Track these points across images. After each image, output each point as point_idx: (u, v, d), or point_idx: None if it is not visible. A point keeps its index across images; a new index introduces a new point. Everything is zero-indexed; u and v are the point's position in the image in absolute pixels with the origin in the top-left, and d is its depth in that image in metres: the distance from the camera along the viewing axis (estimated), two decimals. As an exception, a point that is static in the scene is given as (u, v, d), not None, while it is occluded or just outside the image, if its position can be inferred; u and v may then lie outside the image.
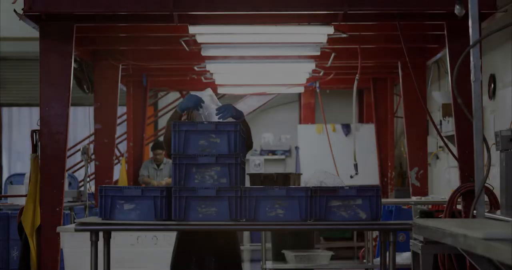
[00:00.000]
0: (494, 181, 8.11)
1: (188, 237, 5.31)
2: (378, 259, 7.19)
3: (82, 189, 11.78)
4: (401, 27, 7.33)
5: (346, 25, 8.02)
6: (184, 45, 8.77)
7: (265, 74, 11.31)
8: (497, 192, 6.31)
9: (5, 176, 15.55)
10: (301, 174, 11.12)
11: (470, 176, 6.87)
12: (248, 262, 11.86)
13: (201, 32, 7.79)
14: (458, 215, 6.68)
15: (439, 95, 10.88)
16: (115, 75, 10.02)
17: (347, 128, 13.87)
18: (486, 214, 4.67)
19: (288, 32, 7.73)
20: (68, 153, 13.73)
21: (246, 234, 13.04)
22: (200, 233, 5.25)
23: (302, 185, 5.71)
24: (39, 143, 6.98)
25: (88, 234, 4.99)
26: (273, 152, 14.97)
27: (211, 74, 11.15)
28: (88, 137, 11.74)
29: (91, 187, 10.86)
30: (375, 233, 9.37)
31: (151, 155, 12.95)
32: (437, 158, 12.09)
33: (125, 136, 13.34)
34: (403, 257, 8.30)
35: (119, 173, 11.92)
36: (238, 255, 5.44)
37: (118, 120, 11.03)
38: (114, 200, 4.95)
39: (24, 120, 16.09)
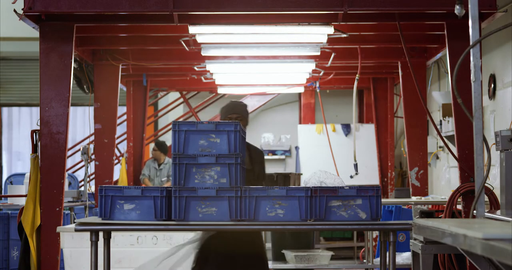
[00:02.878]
0: (494, 181, 8.12)
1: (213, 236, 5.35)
2: (378, 259, 7.19)
3: (82, 189, 11.78)
4: (401, 27, 7.33)
5: (346, 25, 8.02)
6: (184, 45, 8.78)
7: (265, 74, 11.30)
8: (497, 192, 6.31)
9: (5, 176, 15.56)
10: (301, 174, 11.13)
11: (470, 176, 6.87)
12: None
13: (201, 32, 7.79)
14: (458, 215, 6.68)
15: (439, 95, 10.88)
16: (115, 75, 10.02)
17: (347, 128, 13.87)
18: (486, 214, 4.67)
19: (288, 32, 7.73)
20: (68, 153, 13.75)
21: (246, 234, 13.01)
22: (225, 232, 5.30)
23: (302, 185, 5.70)
24: (39, 143, 6.98)
25: (88, 234, 4.99)
26: (273, 152, 14.97)
27: (211, 74, 11.15)
28: (88, 137, 11.74)
29: (91, 187, 10.86)
30: (375, 233, 9.37)
31: (151, 154, 12.98)
32: (437, 158, 12.09)
33: (125, 136, 13.34)
34: (403, 257, 8.30)
35: (119, 173, 11.93)
36: (263, 253, 5.50)
37: (118, 120, 11.03)
38: (114, 200, 4.95)
39: (24, 120, 16.09)
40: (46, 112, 6.97)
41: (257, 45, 8.82)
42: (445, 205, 6.86)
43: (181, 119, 14.24)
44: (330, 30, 7.63)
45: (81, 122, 15.90)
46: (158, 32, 8.37)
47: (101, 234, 5.05)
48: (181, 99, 14.78)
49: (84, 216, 9.51)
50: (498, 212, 6.02)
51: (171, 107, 14.90)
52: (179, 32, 8.24)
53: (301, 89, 13.39)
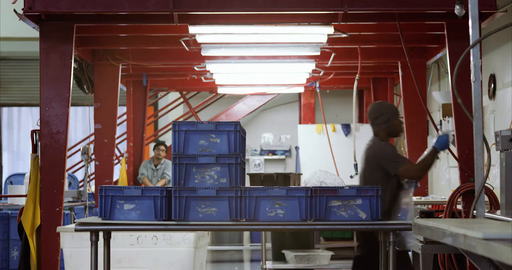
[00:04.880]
0: (494, 181, 8.12)
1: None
2: (378, 259, 7.17)
3: (82, 189, 11.78)
4: (401, 27, 7.33)
5: (346, 25, 8.02)
6: (184, 45, 8.78)
7: (265, 74, 11.30)
8: (497, 192, 6.32)
9: (5, 176, 15.55)
10: (301, 174, 11.13)
11: (470, 176, 6.86)
12: (248, 262, 11.86)
13: (201, 32, 7.79)
14: (458, 215, 6.68)
15: (439, 95, 10.87)
16: (115, 75, 10.02)
17: (347, 128, 13.87)
18: (486, 214, 4.67)
19: (288, 32, 7.73)
20: (68, 153, 13.74)
21: (246, 234, 13.05)
22: None
23: (302, 185, 5.71)
24: (39, 143, 6.98)
25: (88, 234, 4.99)
26: (273, 152, 14.97)
27: (211, 74, 11.15)
28: (88, 137, 11.74)
29: (91, 187, 10.85)
30: (375, 233, 9.36)
31: (151, 154, 12.96)
32: (437, 158, 12.07)
33: (125, 136, 13.34)
34: (403, 257, 8.29)
35: (119, 173, 11.93)
36: None
37: (118, 120, 11.03)
38: (114, 200, 4.96)
39: (24, 120, 16.09)
40: (46, 112, 6.98)
41: (257, 45, 8.82)
42: (445, 205, 6.86)
43: (181, 119, 14.24)
44: (330, 30, 7.63)
45: (81, 122, 15.90)
46: (158, 32, 8.37)
47: (101, 234, 5.05)
48: (181, 99, 14.78)
49: (84, 216, 9.51)
50: (498, 212, 6.02)
51: (171, 107, 14.90)
52: (179, 32, 8.24)
53: (301, 89, 13.40)
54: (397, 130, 6.13)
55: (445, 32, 7.22)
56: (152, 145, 13.67)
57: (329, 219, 4.93)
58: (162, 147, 12.51)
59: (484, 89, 9.19)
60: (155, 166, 12.45)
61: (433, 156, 5.78)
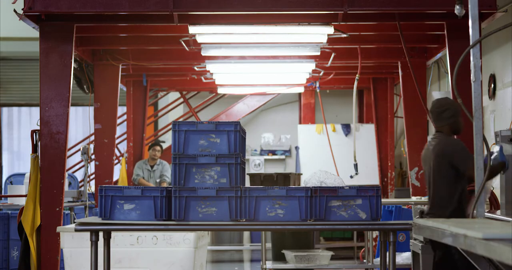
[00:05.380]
0: (494, 181, 8.12)
1: None
2: (378, 259, 7.19)
3: (82, 189, 11.78)
4: (401, 27, 7.33)
5: (346, 25, 8.02)
6: (184, 45, 8.78)
7: (265, 74, 11.31)
8: (497, 192, 6.32)
9: (5, 176, 15.55)
10: (301, 174, 11.13)
11: (470, 176, 6.85)
12: (248, 262, 11.86)
13: (201, 32, 7.79)
14: (458, 215, 6.66)
15: (439, 95, 10.87)
16: (115, 75, 10.02)
17: (347, 128, 13.86)
18: (486, 214, 4.67)
19: (288, 32, 7.74)
20: (68, 153, 13.74)
21: (246, 234, 13.05)
22: None
23: (302, 185, 5.71)
24: (39, 143, 6.98)
25: (88, 234, 4.99)
26: (273, 152, 14.97)
27: (211, 74, 11.15)
28: (88, 137, 11.75)
29: (91, 187, 10.85)
30: (375, 233, 9.37)
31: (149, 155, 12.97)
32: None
33: (125, 136, 13.34)
34: (403, 257, 8.30)
35: (119, 173, 11.92)
36: None
37: (118, 120, 11.03)
38: (114, 200, 4.96)
39: (24, 120, 16.08)
40: (46, 112, 6.98)
41: (257, 45, 8.83)
42: (445, 205, 6.85)
43: (181, 119, 14.23)
44: (330, 30, 7.63)
45: (81, 122, 15.90)
46: (158, 32, 8.38)
47: (101, 234, 5.05)
48: (181, 99, 14.78)
49: (84, 216, 9.51)
50: (498, 212, 6.03)
51: (171, 107, 14.90)
52: (179, 32, 8.24)
53: (301, 89, 13.39)
54: (461, 127, 5.63)
55: (445, 32, 7.22)
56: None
57: (329, 219, 4.93)
58: (158, 148, 12.47)
59: (484, 89, 9.19)
60: (151, 166, 12.37)
61: (500, 168, 5.29)
